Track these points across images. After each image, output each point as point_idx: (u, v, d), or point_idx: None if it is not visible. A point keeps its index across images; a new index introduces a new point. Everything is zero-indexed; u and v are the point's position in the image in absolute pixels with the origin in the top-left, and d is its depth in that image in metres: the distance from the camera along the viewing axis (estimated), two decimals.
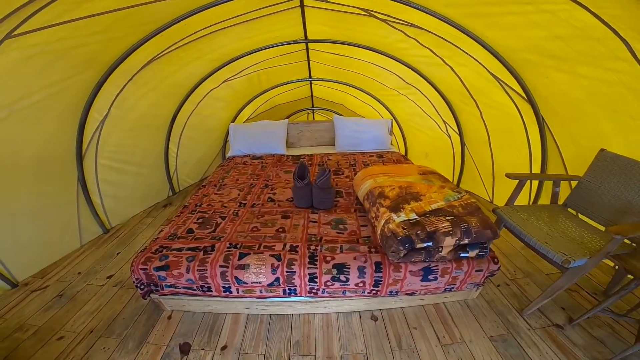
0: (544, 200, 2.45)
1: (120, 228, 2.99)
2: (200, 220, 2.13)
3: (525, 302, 1.95)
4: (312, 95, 4.25)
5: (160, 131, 3.13)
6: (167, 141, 3.23)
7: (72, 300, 2.04)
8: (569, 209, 2.11)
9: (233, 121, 3.97)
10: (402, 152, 3.93)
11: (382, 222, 1.81)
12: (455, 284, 1.78)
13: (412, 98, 3.30)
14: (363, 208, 2.23)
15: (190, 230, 2.02)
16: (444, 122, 3.20)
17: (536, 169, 2.49)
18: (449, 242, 1.63)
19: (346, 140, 3.52)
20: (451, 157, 3.38)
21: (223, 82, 3.26)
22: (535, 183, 2.53)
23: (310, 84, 3.90)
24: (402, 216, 1.76)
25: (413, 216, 1.74)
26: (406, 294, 1.80)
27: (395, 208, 1.82)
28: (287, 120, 3.67)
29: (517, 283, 2.12)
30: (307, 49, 3.08)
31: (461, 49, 2.23)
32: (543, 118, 2.26)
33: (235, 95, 3.63)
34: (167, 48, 2.36)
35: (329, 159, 3.24)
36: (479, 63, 2.27)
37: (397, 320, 1.86)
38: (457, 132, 3.14)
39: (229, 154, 3.58)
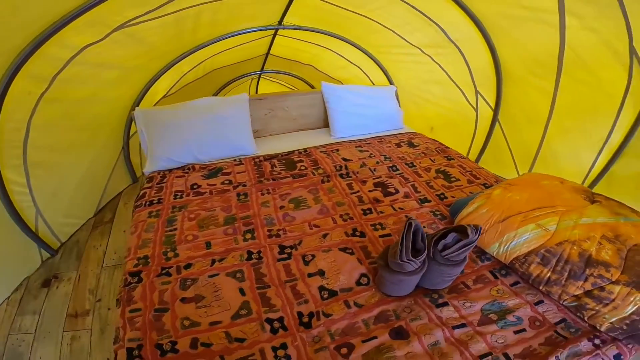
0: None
1: None
2: None
3: None
4: (267, 54, 2.69)
5: None
6: None
7: None
8: None
9: (138, 104, 2.14)
10: None
11: (632, 308, 0.92)
12: None
13: (438, 60, 2.30)
14: (501, 269, 1.25)
15: None
16: (477, 92, 2.38)
17: (607, 154, 1.99)
18: None
19: (348, 120, 2.32)
20: (468, 133, 2.69)
21: (115, 30, 1.48)
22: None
23: (275, 33, 2.36)
24: None
25: None
26: None
27: None
28: (245, 94, 2.15)
29: None
30: None
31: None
32: None
33: (144, 55, 1.84)
34: None
35: (344, 158, 2.00)
36: (628, 30, 1.48)
37: None
38: (492, 106, 2.38)
39: (147, 169, 1.89)
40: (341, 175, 1.84)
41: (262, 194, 1.68)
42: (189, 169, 1.91)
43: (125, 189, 2.45)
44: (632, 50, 1.60)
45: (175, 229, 1.43)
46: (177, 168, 1.92)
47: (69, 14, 1.24)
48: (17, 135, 1.47)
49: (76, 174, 1.91)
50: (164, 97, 2.28)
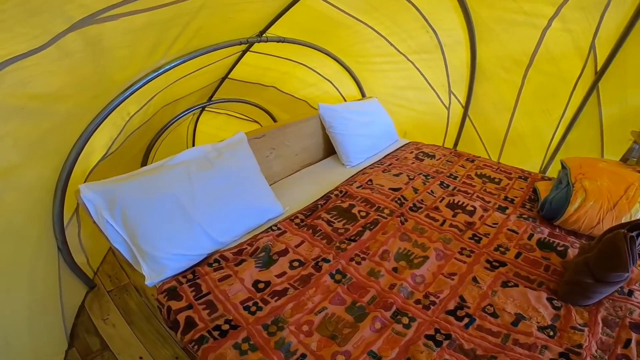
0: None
1: None
2: None
3: None
4: (225, 77, 2.13)
5: None
6: None
7: None
8: None
9: (66, 179, 1.32)
10: None
11: None
12: None
13: (419, 65, 2.37)
14: None
15: None
16: (451, 92, 2.59)
17: (562, 128, 2.54)
18: None
19: (359, 143, 2.13)
20: (440, 130, 2.95)
21: (75, 28, 0.84)
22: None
23: (247, 49, 1.88)
24: None
25: None
26: None
27: None
28: (242, 134, 1.66)
29: None
30: None
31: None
32: (598, 87, 2.22)
33: (93, 86, 1.13)
34: None
35: (391, 189, 1.78)
36: (596, 30, 1.88)
37: None
38: (462, 103, 2.65)
39: (150, 280, 1.23)
40: (411, 209, 1.64)
41: (358, 264, 1.31)
42: (217, 261, 1.32)
43: (84, 300, 1.67)
44: (592, 46, 2.04)
45: (304, 355, 0.96)
46: (198, 265, 1.30)
47: None
48: None
49: (20, 304, 1.11)
50: (103, 157, 1.49)
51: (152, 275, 1.24)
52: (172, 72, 1.55)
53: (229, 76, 2.13)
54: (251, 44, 1.81)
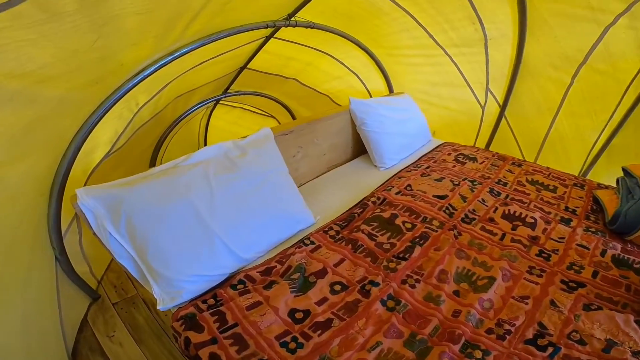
0: None
1: None
2: None
3: None
4: (244, 67, 1.91)
5: None
6: None
7: None
8: None
9: (63, 179, 1.12)
10: None
11: None
12: None
13: (457, 60, 2.17)
14: None
15: None
16: (488, 90, 2.38)
17: (608, 131, 2.32)
18: None
19: (393, 142, 1.91)
20: (472, 130, 2.74)
21: None
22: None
23: (272, 35, 1.67)
24: None
25: None
26: None
27: None
28: (268, 130, 1.45)
29: None
30: None
31: None
32: None
33: (95, 66, 0.92)
34: None
35: (436, 196, 1.56)
36: None
37: None
38: (499, 102, 2.44)
39: (163, 303, 1.01)
40: (463, 221, 1.42)
41: (412, 287, 1.09)
42: (242, 282, 1.10)
43: (87, 312, 1.49)
44: None
45: None
46: (220, 286, 1.08)
47: None
48: None
49: (12, 321, 0.96)
50: (107, 155, 1.27)
51: (166, 299, 1.02)
52: (188, 58, 1.34)
53: (248, 66, 1.92)
54: (278, 28, 1.60)
